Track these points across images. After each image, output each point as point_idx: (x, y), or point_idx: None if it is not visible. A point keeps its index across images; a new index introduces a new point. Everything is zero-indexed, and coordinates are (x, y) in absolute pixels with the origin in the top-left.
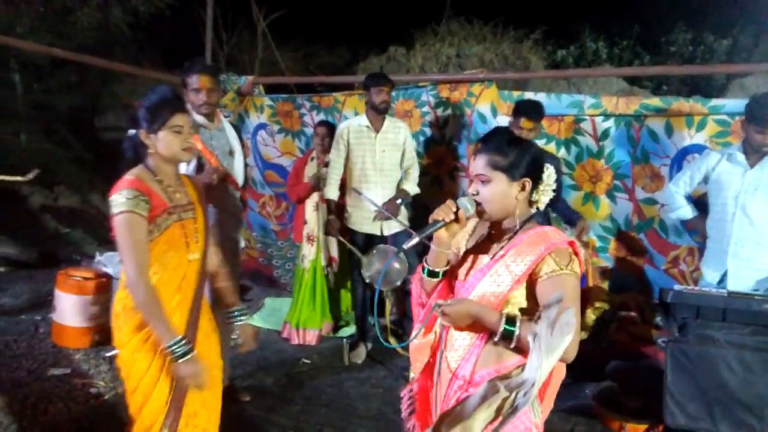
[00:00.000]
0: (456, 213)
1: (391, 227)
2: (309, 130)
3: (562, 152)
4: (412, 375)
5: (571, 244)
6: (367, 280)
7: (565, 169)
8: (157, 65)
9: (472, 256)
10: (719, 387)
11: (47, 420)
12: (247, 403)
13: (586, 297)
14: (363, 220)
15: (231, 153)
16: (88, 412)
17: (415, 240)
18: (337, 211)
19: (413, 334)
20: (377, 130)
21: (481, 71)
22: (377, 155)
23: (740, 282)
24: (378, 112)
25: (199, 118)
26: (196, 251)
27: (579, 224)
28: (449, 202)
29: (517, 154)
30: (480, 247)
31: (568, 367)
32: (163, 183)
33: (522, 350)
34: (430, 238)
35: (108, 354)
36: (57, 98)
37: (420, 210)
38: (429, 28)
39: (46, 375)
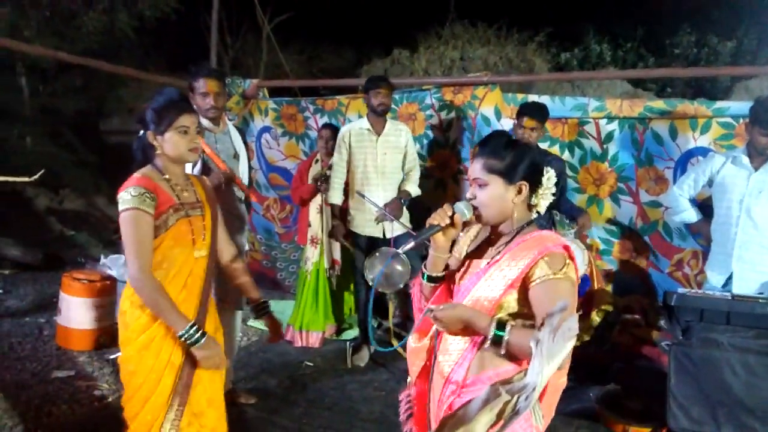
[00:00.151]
0: (452, 217)
1: (394, 229)
2: (313, 133)
3: (566, 155)
4: (409, 379)
5: (566, 248)
6: (370, 283)
7: (569, 172)
8: (162, 69)
9: (469, 260)
10: (723, 390)
11: (51, 422)
12: (250, 405)
13: (591, 299)
14: (366, 222)
15: (236, 156)
16: (92, 414)
17: (411, 244)
18: (340, 214)
19: (405, 338)
20: (378, 133)
21: (485, 74)
22: (379, 158)
23: (745, 285)
24: (377, 115)
25: (205, 122)
26: (203, 248)
27: (581, 218)
28: (446, 206)
29: (513, 158)
30: (478, 252)
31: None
32: (171, 181)
33: (514, 357)
34: (426, 241)
35: (112, 356)
36: (63, 102)
37: (423, 212)
38: (433, 31)
39: (50, 377)
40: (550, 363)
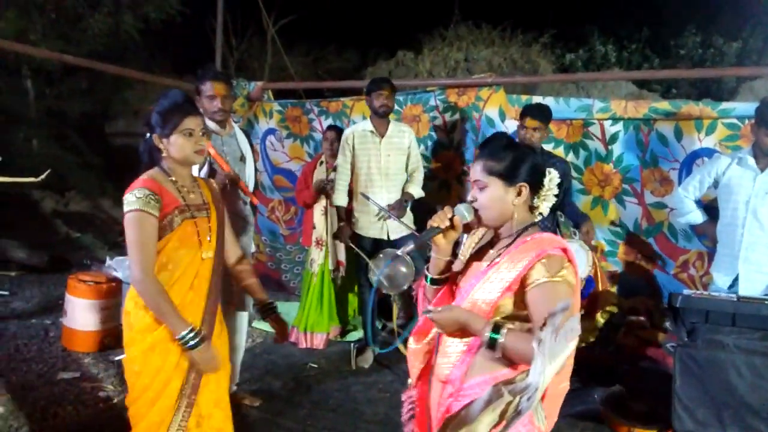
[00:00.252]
0: (452, 220)
1: (398, 231)
2: (317, 135)
3: (570, 156)
4: (409, 380)
5: (564, 251)
6: (375, 284)
7: (573, 173)
8: (167, 71)
9: (471, 262)
10: (728, 392)
11: (56, 423)
12: (254, 406)
13: (595, 301)
14: (370, 224)
15: (242, 159)
16: (97, 415)
17: (411, 246)
18: (345, 216)
19: (404, 335)
20: (382, 135)
21: (489, 75)
22: (382, 160)
23: (751, 286)
24: (379, 116)
25: (211, 125)
26: (209, 250)
27: (584, 226)
28: (446, 208)
29: (512, 159)
30: (480, 254)
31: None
32: (178, 183)
33: (510, 361)
34: (426, 244)
35: (117, 358)
36: (68, 104)
37: (427, 214)
38: (437, 32)
39: (55, 379)
40: (552, 363)
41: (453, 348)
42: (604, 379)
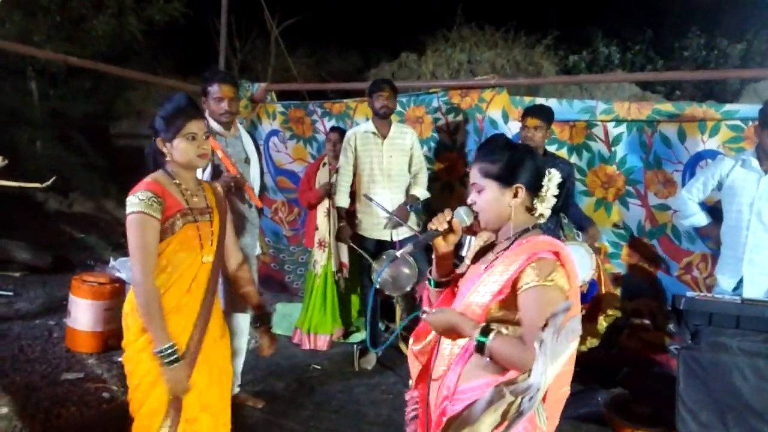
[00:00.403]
0: (450, 223)
1: (401, 233)
2: (321, 137)
3: (573, 158)
4: (410, 381)
5: (556, 254)
6: (377, 285)
7: (577, 175)
8: (171, 72)
9: (472, 265)
10: (732, 395)
11: (60, 424)
12: (257, 408)
13: (599, 304)
14: (373, 226)
15: (247, 161)
16: (101, 416)
17: (409, 248)
18: (347, 217)
19: (396, 331)
20: (384, 136)
21: (492, 77)
22: (385, 161)
23: (756, 289)
24: (380, 117)
25: (216, 126)
26: (210, 254)
27: (590, 231)
28: (446, 211)
29: (507, 161)
30: (480, 256)
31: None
32: (181, 186)
33: (500, 365)
34: (424, 246)
35: (120, 359)
36: (72, 105)
37: (431, 215)
38: (440, 34)
39: (59, 379)
40: (553, 363)
41: (448, 350)
42: (607, 381)
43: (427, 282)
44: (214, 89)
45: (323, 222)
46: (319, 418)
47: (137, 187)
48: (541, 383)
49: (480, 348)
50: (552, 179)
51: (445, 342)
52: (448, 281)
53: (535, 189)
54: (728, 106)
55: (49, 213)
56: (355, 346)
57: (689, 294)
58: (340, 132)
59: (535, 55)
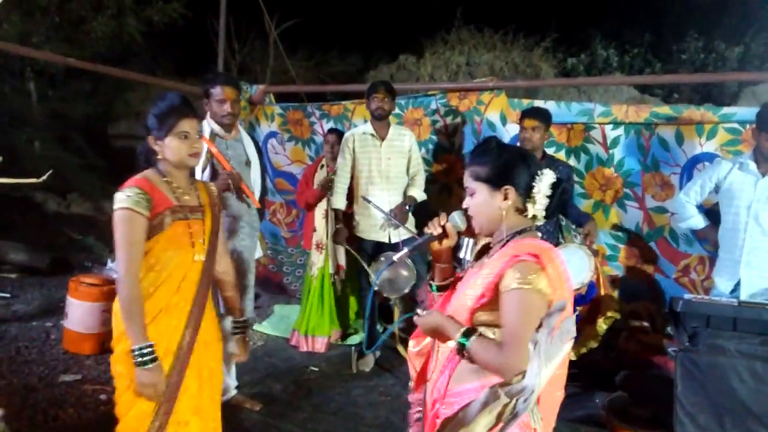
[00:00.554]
0: (444, 227)
1: (399, 234)
2: (319, 138)
3: (571, 160)
4: (410, 383)
5: (536, 256)
6: (375, 287)
7: (575, 178)
8: (170, 74)
9: (470, 268)
10: (730, 397)
11: (58, 426)
12: (254, 410)
13: (597, 306)
14: (371, 227)
15: (247, 163)
16: (99, 418)
17: (404, 252)
18: (345, 219)
19: (389, 330)
20: (382, 138)
21: (490, 79)
22: (383, 163)
23: (753, 291)
24: (376, 119)
25: (216, 128)
26: (201, 253)
27: (586, 226)
28: (442, 215)
29: (497, 163)
30: (477, 260)
31: (578, 376)
32: (172, 185)
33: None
34: (419, 250)
35: None
36: (71, 106)
37: (429, 217)
38: (439, 36)
39: (57, 381)
40: (548, 365)
41: (442, 353)
42: (605, 384)
43: (429, 287)
44: (217, 91)
45: (321, 224)
46: (316, 420)
47: (126, 183)
48: (535, 385)
49: (460, 350)
50: (543, 180)
51: (443, 345)
52: (449, 285)
53: (526, 190)
54: (726, 109)
55: (47, 214)
56: (352, 348)
57: (687, 296)
58: (338, 134)
59: (534, 58)
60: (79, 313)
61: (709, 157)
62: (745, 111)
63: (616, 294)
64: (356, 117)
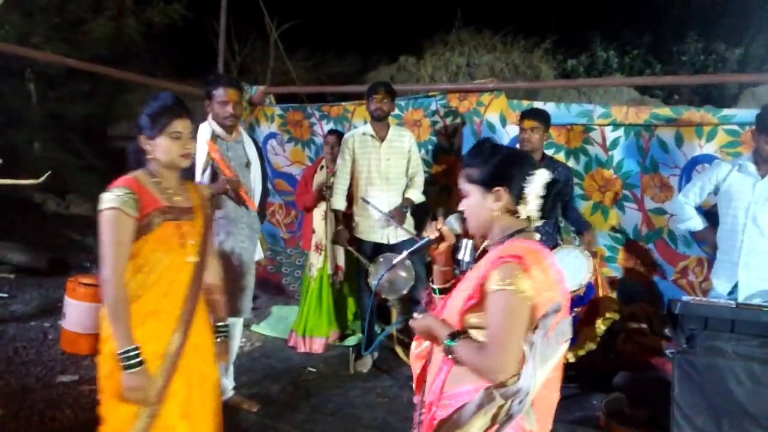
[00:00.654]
0: (440, 230)
1: (398, 235)
2: (318, 139)
3: (571, 162)
4: (413, 384)
5: (519, 258)
6: (374, 288)
7: (574, 179)
8: (170, 75)
9: (468, 271)
10: (727, 399)
11: (55, 427)
12: (252, 411)
13: (596, 307)
14: (370, 228)
15: (248, 165)
16: (96, 419)
17: (404, 255)
18: (344, 220)
19: (386, 331)
20: (382, 139)
21: (490, 80)
22: (383, 163)
23: (751, 293)
24: (376, 120)
25: (218, 130)
26: (191, 255)
27: (586, 235)
28: (440, 219)
29: (488, 164)
30: (475, 263)
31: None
32: (162, 185)
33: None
34: (416, 253)
35: None
36: (70, 107)
37: (429, 218)
38: (439, 37)
39: (54, 382)
40: (543, 366)
41: (437, 356)
42: (603, 385)
43: (432, 290)
44: (220, 92)
45: (320, 225)
46: (314, 421)
47: (114, 183)
48: (530, 386)
49: (447, 352)
50: (535, 181)
51: (437, 347)
52: (451, 288)
53: (518, 192)
54: (726, 111)
55: (46, 214)
56: (350, 349)
57: (685, 298)
58: (338, 135)
59: (534, 59)
60: (76, 314)
61: (709, 159)
62: (745, 113)
63: (614, 295)
64: (356, 118)
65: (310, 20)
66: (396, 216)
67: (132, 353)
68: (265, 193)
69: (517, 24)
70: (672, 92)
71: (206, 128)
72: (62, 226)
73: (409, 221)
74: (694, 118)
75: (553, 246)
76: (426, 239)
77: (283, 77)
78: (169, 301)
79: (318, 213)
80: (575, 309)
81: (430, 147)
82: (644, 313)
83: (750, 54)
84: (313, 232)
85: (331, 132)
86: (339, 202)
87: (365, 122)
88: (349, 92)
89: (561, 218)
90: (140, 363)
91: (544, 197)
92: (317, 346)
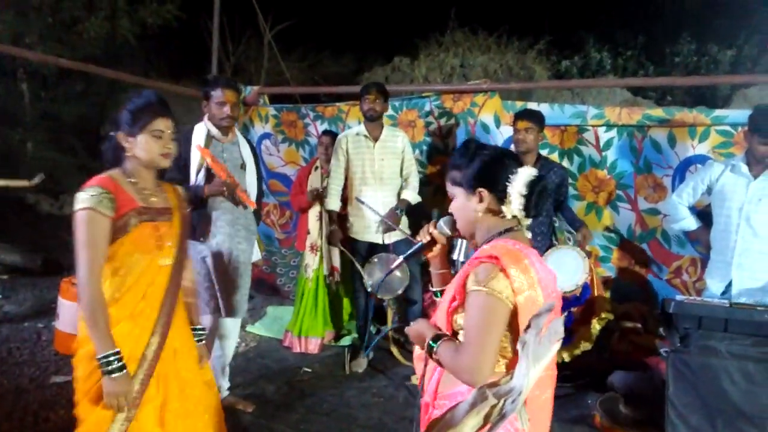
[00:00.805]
0: (431, 234)
1: (392, 236)
2: (313, 140)
3: (565, 162)
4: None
5: (495, 258)
6: (369, 289)
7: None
8: (164, 75)
9: None
10: (721, 398)
11: (49, 428)
12: (247, 412)
13: (592, 307)
14: (365, 229)
15: (242, 167)
16: None
17: (400, 260)
18: (339, 220)
19: (383, 332)
20: (375, 139)
21: (484, 81)
22: (376, 164)
23: (744, 293)
24: (368, 120)
25: (214, 131)
26: (168, 257)
27: (581, 232)
28: (432, 222)
29: (470, 166)
30: None
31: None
32: (138, 185)
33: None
34: (410, 259)
35: None
36: (64, 107)
37: (424, 219)
38: (433, 38)
39: (48, 382)
40: (536, 365)
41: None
42: (597, 384)
43: (432, 294)
44: (217, 93)
45: (315, 226)
46: (309, 421)
47: (88, 182)
48: (523, 386)
49: (430, 354)
50: (516, 179)
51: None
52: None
53: (502, 191)
54: (718, 112)
55: (39, 215)
56: (346, 349)
57: (679, 297)
58: (332, 136)
59: (528, 60)
60: (70, 315)
61: (702, 159)
62: (737, 113)
63: (608, 295)
64: (350, 119)
65: (304, 21)
66: (391, 217)
67: (112, 358)
68: (259, 194)
69: (511, 25)
70: (665, 93)
71: (202, 129)
72: (56, 227)
73: (404, 221)
74: (687, 119)
75: (549, 246)
76: (419, 244)
77: (278, 78)
78: (148, 303)
79: (313, 213)
80: (572, 309)
81: (424, 147)
82: (638, 313)
83: (742, 55)
84: (308, 233)
85: (325, 133)
86: (333, 203)
87: (359, 123)
88: (343, 93)
89: (555, 218)
90: (122, 368)
91: (527, 195)
92: (312, 346)
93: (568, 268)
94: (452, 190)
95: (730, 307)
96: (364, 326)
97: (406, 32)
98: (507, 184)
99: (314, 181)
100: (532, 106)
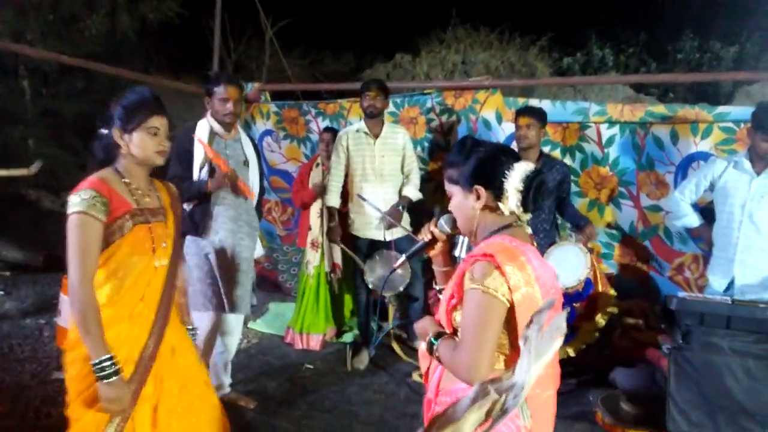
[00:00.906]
0: (432, 232)
1: (394, 232)
2: (314, 137)
3: (567, 159)
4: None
5: (490, 256)
6: (370, 285)
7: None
8: (165, 72)
9: None
10: (723, 395)
11: (50, 423)
12: (249, 408)
13: (595, 302)
14: (366, 225)
15: (246, 163)
16: None
17: (402, 259)
18: (340, 217)
19: (387, 329)
20: (376, 136)
21: (486, 78)
22: (377, 160)
23: (747, 289)
24: (368, 117)
25: (216, 127)
26: (164, 257)
27: (586, 230)
28: (433, 220)
29: (466, 163)
30: None
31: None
32: (131, 186)
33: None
34: (412, 258)
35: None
36: (64, 104)
37: (426, 215)
38: (435, 35)
39: (49, 378)
40: (538, 361)
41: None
42: (599, 381)
43: (437, 292)
44: (220, 90)
45: (316, 223)
46: (311, 417)
47: (80, 185)
48: (525, 381)
49: (431, 351)
50: (512, 175)
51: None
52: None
53: (498, 188)
54: (720, 109)
55: (41, 212)
56: (347, 345)
57: (681, 294)
58: (333, 132)
59: (530, 57)
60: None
61: (704, 156)
62: (740, 110)
63: (612, 291)
64: (352, 115)
65: (305, 18)
66: (392, 214)
67: (106, 363)
68: (261, 191)
69: (512, 22)
70: (667, 90)
71: (205, 125)
72: (57, 223)
73: (406, 218)
74: (689, 116)
75: (551, 243)
76: (421, 242)
77: (279, 75)
78: (146, 304)
79: (314, 210)
80: (575, 304)
81: (426, 144)
82: (640, 309)
83: (745, 52)
84: (309, 229)
85: (326, 129)
86: (333, 200)
87: (360, 119)
88: (344, 89)
89: (558, 215)
90: (117, 372)
91: (524, 191)
92: (314, 342)
93: (570, 264)
94: (450, 188)
95: (732, 304)
96: (366, 323)
97: (408, 29)
98: (503, 180)
99: (315, 178)
100: (534, 103)
